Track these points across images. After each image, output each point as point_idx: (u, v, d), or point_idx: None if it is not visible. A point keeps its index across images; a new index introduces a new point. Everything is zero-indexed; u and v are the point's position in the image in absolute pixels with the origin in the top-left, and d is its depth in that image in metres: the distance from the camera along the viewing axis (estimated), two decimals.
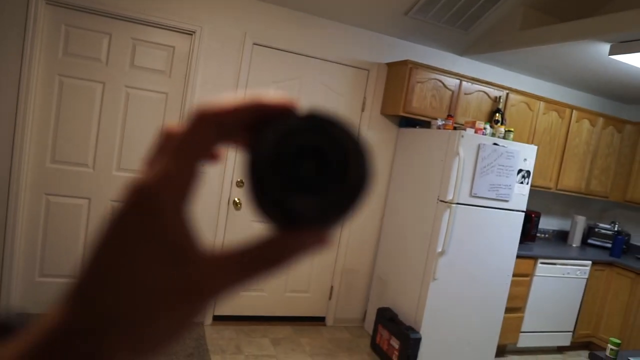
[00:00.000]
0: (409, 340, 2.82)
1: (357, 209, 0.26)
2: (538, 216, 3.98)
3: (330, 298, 3.54)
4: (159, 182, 0.24)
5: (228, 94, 2.95)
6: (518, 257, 3.25)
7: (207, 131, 0.26)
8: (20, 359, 0.21)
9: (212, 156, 0.27)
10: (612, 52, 2.70)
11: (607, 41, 2.66)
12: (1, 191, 2.65)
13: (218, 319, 3.22)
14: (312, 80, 3.26)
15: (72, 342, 0.22)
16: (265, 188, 0.25)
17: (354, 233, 3.49)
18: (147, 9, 2.77)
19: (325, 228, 0.26)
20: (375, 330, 3.19)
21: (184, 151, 0.25)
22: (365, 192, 0.26)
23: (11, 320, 0.28)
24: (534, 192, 3.79)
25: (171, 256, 0.23)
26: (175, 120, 2.94)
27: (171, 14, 2.82)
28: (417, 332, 2.86)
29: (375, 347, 3.15)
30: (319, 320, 3.53)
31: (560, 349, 3.79)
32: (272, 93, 0.28)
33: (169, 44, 2.91)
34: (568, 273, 3.63)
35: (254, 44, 3.06)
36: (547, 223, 4.27)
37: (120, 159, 2.90)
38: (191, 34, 2.91)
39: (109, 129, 2.86)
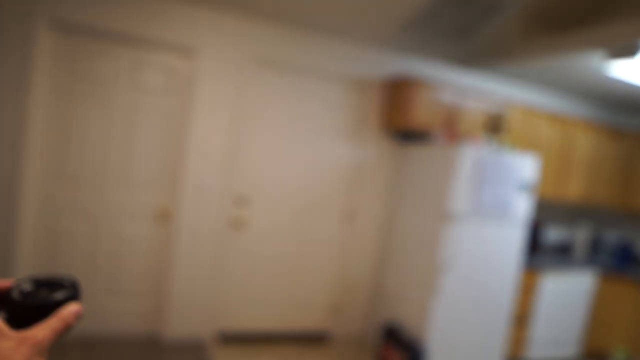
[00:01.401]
0: (414, 355, 2.80)
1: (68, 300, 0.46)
2: (542, 227, 3.96)
3: (333, 313, 3.52)
4: None
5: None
6: (523, 269, 3.23)
7: None
8: None
9: None
10: (610, 58, 2.69)
11: (607, 51, 2.67)
12: (6, 202, 2.68)
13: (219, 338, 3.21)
14: (311, 97, 3.29)
15: None
16: (26, 310, 0.44)
17: (356, 249, 3.49)
18: (147, 29, 2.81)
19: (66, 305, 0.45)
20: (379, 345, 3.17)
21: None
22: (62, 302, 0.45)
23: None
24: (537, 203, 3.78)
25: None
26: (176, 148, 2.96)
27: (172, 34, 2.87)
28: (422, 346, 2.84)
29: None
30: (322, 335, 3.51)
31: None
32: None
33: (169, 64, 2.95)
34: (574, 284, 3.60)
35: (253, 62, 3.10)
36: (552, 234, 4.25)
37: (120, 180, 2.93)
38: (191, 55, 2.95)
39: (109, 149, 2.89)
